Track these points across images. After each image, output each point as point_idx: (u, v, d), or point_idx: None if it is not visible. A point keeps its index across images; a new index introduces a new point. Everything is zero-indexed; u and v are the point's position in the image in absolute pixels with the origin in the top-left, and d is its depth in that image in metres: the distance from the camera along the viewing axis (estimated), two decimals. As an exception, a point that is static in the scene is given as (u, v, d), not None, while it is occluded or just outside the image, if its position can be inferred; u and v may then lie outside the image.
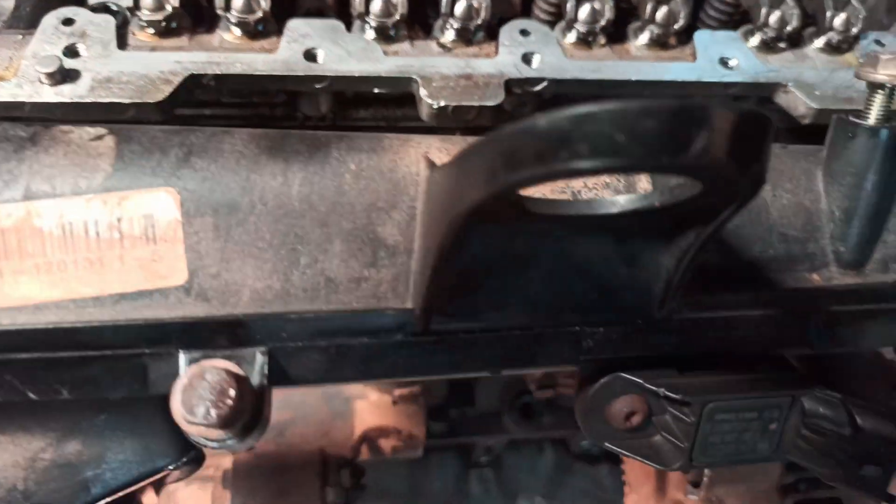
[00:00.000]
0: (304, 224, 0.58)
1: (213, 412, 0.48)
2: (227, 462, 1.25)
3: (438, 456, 1.68)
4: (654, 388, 0.64)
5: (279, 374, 0.58)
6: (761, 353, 0.70)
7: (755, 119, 0.41)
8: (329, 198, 0.59)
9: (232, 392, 0.49)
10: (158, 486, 1.23)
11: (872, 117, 0.65)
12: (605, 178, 0.64)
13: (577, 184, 0.65)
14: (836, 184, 0.67)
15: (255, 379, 0.56)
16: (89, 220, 0.55)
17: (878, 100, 0.65)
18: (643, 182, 0.66)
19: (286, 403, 1.33)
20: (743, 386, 0.65)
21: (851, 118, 0.66)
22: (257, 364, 0.56)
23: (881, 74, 0.63)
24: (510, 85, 0.93)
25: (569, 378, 1.49)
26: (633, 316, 0.62)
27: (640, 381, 0.65)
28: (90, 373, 0.55)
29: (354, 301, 0.59)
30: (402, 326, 0.59)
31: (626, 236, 0.59)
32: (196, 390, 0.49)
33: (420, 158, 0.62)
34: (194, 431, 0.50)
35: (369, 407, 1.35)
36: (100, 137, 0.57)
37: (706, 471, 1.15)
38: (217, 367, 0.50)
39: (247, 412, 0.51)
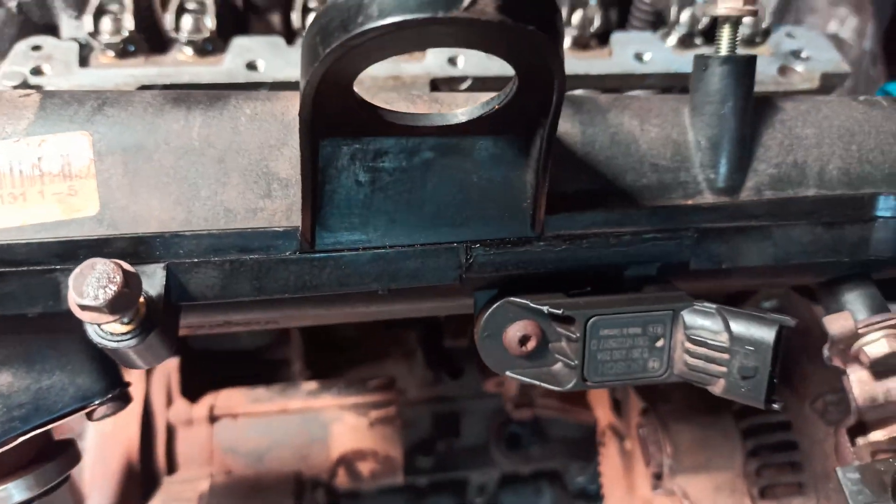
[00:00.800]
0: (204, 161, 0.66)
1: (101, 293, 0.54)
2: (204, 485, 1.28)
3: (433, 498, 1.68)
4: (538, 306, 0.69)
5: (180, 290, 0.64)
6: (648, 279, 0.74)
7: None
8: (226, 137, 0.66)
9: (118, 278, 0.55)
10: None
11: (723, 48, 0.72)
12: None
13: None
14: (699, 115, 0.73)
15: (155, 290, 0.62)
16: (13, 160, 0.63)
17: (726, 32, 0.72)
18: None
19: (265, 430, 1.37)
20: (625, 302, 0.69)
21: (705, 53, 0.73)
22: (157, 277, 0.63)
23: (722, 8, 0.70)
24: (437, 83, 1.02)
25: (545, 398, 1.50)
26: (507, 232, 0.68)
27: (527, 302, 0.70)
28: (8, 288, 0.62)
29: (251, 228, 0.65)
30: (290, 243, 0.65)
31: (489, 157, 0.66)
32: (86, 277, 0.55)
33: (310, 104, 0.70)
34: (87, 317, 0.56)
35: (346, 430, 1.38)
36: (27, 95, 0.66)
37: (665, 460, 1.15)
38: (107, 260, 0.56)
39: (135, 300, 0.57)
